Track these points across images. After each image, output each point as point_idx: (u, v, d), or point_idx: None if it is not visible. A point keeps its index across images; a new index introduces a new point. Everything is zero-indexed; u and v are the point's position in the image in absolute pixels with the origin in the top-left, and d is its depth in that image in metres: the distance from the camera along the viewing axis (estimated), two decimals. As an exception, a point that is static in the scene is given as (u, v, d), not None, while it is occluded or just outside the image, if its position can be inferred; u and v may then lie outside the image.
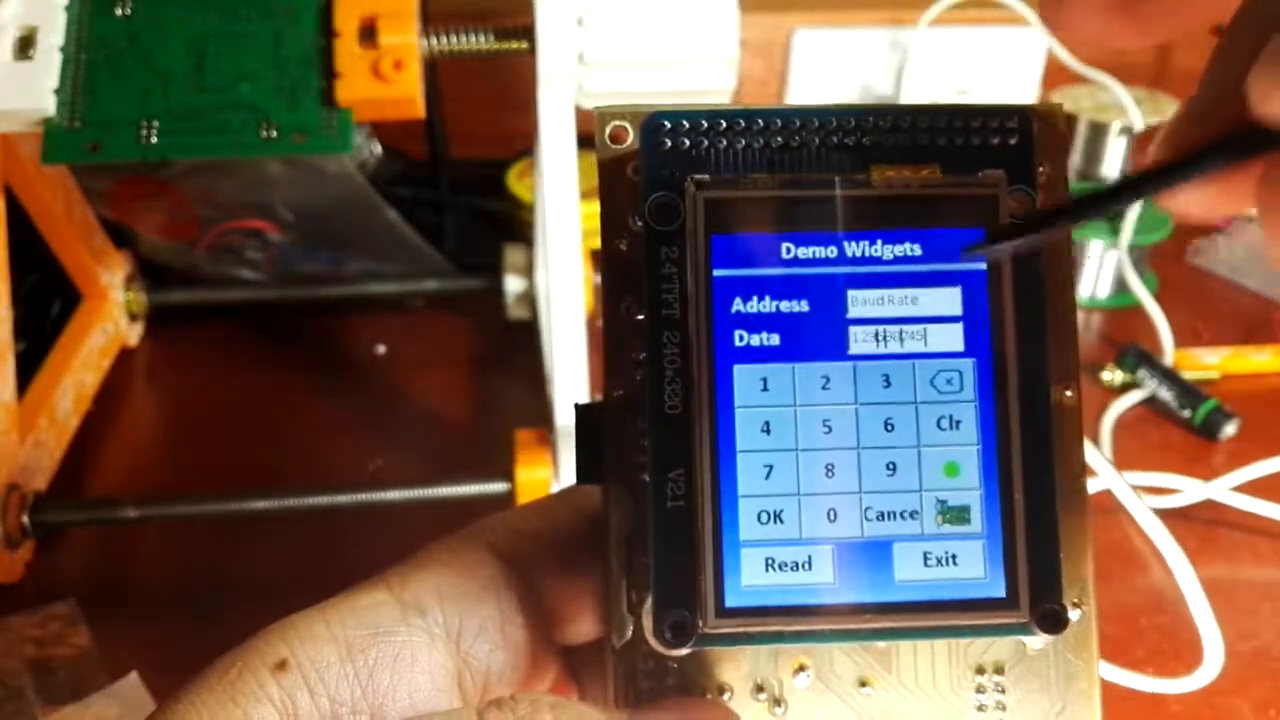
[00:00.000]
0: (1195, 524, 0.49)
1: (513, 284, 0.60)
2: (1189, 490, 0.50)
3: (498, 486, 0.47)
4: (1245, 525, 0.49)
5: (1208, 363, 0.59)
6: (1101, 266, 0.64)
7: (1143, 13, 0.18)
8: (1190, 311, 0.62)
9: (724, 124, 0.20)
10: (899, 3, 0.71)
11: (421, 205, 0.67)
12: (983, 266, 0.20)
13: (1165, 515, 0.44)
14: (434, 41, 0.45)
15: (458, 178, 0.68)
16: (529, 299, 0.60)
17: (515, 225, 0.66)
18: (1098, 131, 0.67)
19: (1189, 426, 0.55)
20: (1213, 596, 0.40)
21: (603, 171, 0.21)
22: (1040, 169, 0.21)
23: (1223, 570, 0.47)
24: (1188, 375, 0.57)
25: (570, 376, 0.46)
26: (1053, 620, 0.19)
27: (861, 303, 0.20)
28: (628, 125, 0.21)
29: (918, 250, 0.20)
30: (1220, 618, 0.44)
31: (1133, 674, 0.41)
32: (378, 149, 0.64)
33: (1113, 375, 0.58)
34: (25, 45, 0.41)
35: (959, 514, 0.20)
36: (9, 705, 0.41)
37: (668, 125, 0.20)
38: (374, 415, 0.57)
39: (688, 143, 0.20)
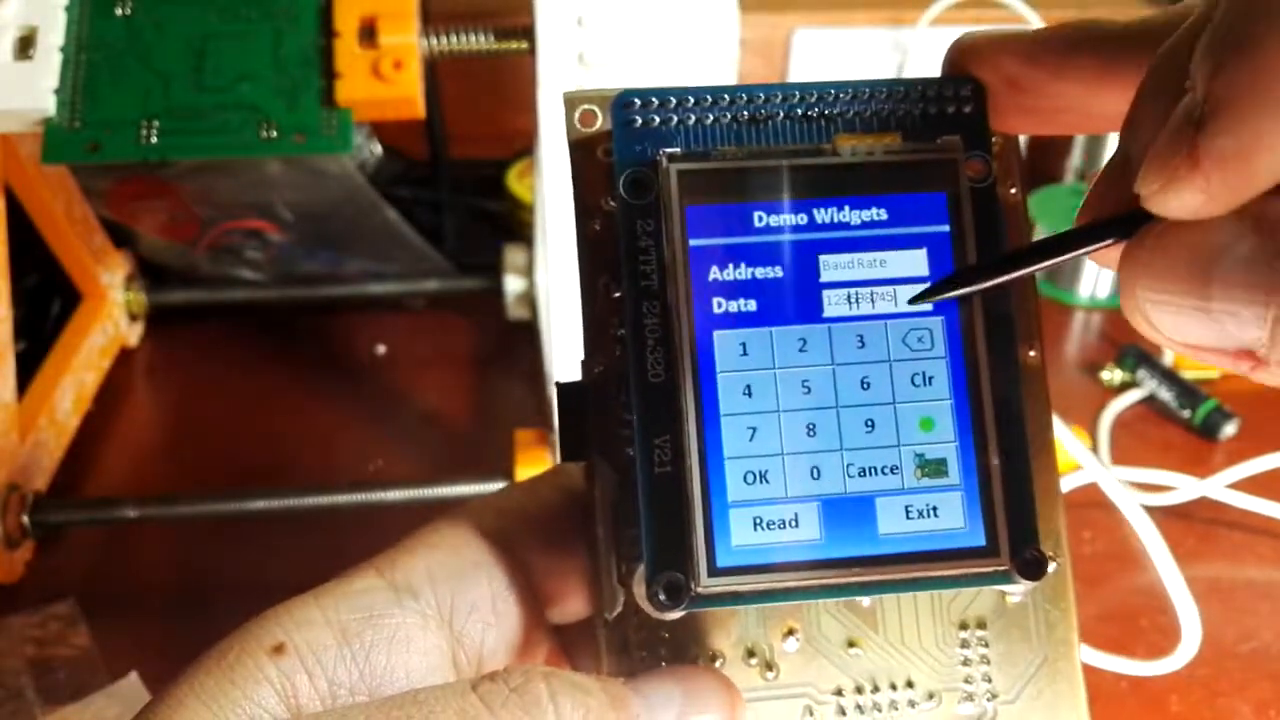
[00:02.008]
0: (1194, 523, 0.49)
1: (513, 284, 0.60)
2: (1184, 487, 0.50)
3: (497, 486, 0.46)
4: (1245, 525, 0.49)
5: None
6: (1101, 266, 0.64)
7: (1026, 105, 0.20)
8: (1190, 311, 0.62)
9: (692, 100, 0.21)
10: (899, 3, 0.71)
11: (421, 205, 0.67)
12: (946, 229, 0.21)
13: (1163, 513, 0.44)
14: (434, 41, 0.45)
15: (458, 178, 0.68)
16: (529, 299, 0.60)
17: (515, 225, 0.66)
18: (1096, 134, 0.67)
19: (1189, 426, 0.55)
20: (1213, 596, 0.40)
21: (574, 155, 0.22)
22: (994, 138, 0.21)
23: (1223, 570, 0.47)
24: (1187, 375, 0.57)
25: (570, 376, 0.46)
26: (1033, 566, 0.20)
27: (833, 267, 0.20)
28: (596, 109, 0.21)
29: (884, 215, 0.21)
30: (1220, 618, 0.44)
31: (1116, 657, 0.41)
32: (378, 149, 0.64)
33: (1112, 375, 0.58)
34: (25, 45, 0.41)
35: (936, 467, 0.20)
36: (9, 705, 0.41)
37: (638, 103, 0.21)
38: (374, 415, 0.57)
39: (657, 119, 0.21)
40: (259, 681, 0.19)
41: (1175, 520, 0.49)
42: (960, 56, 0.21)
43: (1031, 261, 0.19)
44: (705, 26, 0.45)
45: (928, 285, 0.20)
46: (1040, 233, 0.64)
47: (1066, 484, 0.49)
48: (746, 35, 0.46)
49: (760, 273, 0.20)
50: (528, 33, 0.45)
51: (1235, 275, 0.15)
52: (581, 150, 0.21)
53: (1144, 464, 0.51)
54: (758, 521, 0.20)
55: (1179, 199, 0.16)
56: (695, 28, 0.45)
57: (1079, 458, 0.43)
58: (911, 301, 0.20)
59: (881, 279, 0.20)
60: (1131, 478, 0.50)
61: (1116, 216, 0.18)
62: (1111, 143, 0.66)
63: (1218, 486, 0.50)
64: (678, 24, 0.45)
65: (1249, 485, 0.50)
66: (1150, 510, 0.45)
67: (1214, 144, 0.15)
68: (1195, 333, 0.16)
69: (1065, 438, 0.44)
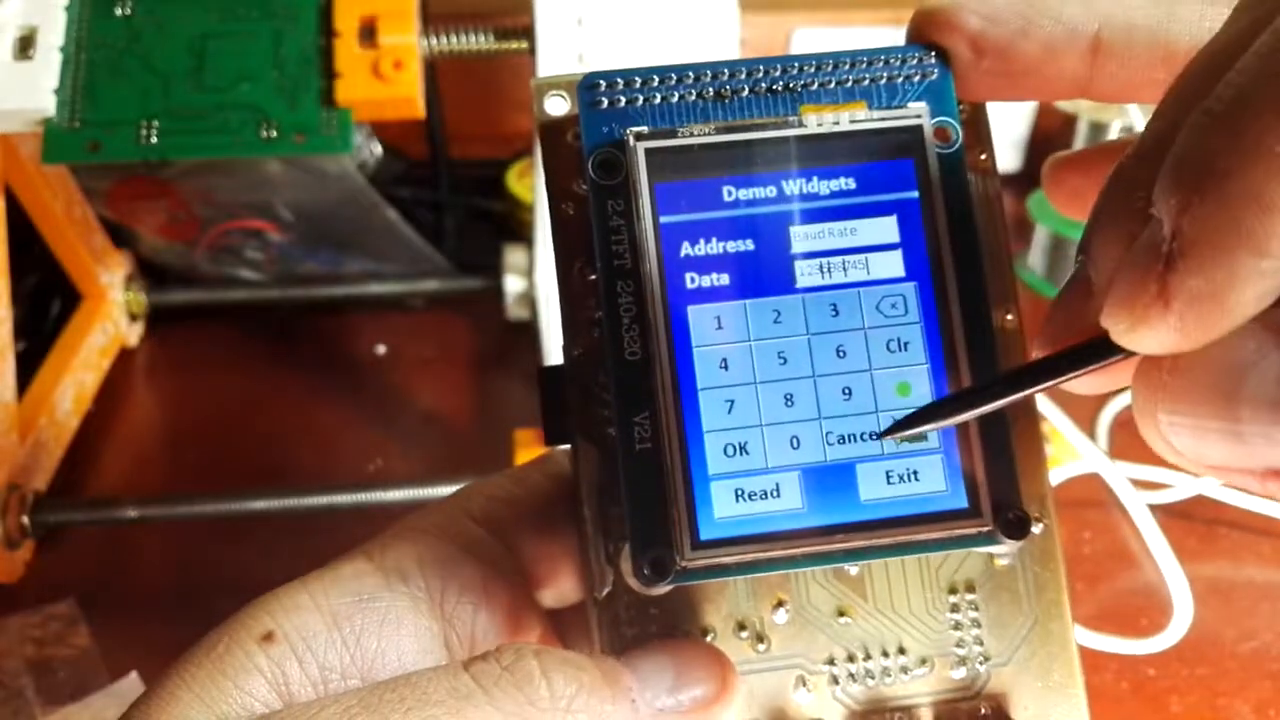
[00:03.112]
0: (1195, 523, 0.49)
1: (513, 284, 0.60)
2: (1182, 485, 0.50)
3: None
4: (1245, 525, 0.49)
5: (1207, 362, 0.58)
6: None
7: (1006, 71, 0.20)
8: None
9: (657, 79, 0.21)
10: (899, 3, 0.71)
11: (421, 205, 0.67)
12: (915, 195, 0.21)
13: (1163, 513, 0.44)
14: (434, 41, 0.45)
15: (458, 178, 0.68)
16: (529, 299, 0.60)
17: (515, 225, 0.66)
18: (1098, 131, 0.67)
19: (1189, 426, 0.55)
20: (1213, 596, 0.40)
21: (543, 140, 0.22)
22: (961, 106, 0.21)
23: (1223, 570, 0.47)
24: (1187, 375, 0.57)
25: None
26: (1016, 526, 0.20)
27: (804, 238, 0.21)
28: (565, 94, 0.22)
29: (852, 184, 0.21)
30: (1220, 618, 0.44)
31: (1110, 637, 0.41)
32: (378, 149, 0.64)
33: (1112, 375, 0.58)
34: (25, 45, 0.41)
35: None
36: (9, 705, 0.41)
37: (603, 84, 0.21)
38: (374, 415, 0.57)
39: (623, 100, 0.21)
40: (250, 671, 0.19)
41: (1176, 520, 0.49)
42: (923, 23, 0.21)
43: (1021, 386, 0.18)
44: (705, 26, 0.45)
45: (908, 415, 0.20)
46: (1040, 231, 0.64)
47: (1066, 474, 0.49)
48: (746, 35, 0.46)
49: (732, 247, 0.20)
50: (528, 33, 0.45)
51: (1266, 393, 0.14)
52: (551, 135, 0.22)
53: (1143, 462, 0.51)
54: (739, 493, 0.20)
55: (1152, 336, 0.15)
56: (695, 28, 0.45)
57: (1080, 448, 0.43)
58: (885, 435, 0.20)
59: (853, 248, 0.21)
60: (1130, 474, 0.50)
61: (1083, 345, 0.17)
62: (1111, 134, 0.66)
63: (1215, 484, 0.50)
64: (678, 24, 0.45)
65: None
66: (1149, 509, 0.45)
67: (1185, 284, 0.14)
68: (1222, 455, 0.15)
69: (1067, 428, 0.44)
